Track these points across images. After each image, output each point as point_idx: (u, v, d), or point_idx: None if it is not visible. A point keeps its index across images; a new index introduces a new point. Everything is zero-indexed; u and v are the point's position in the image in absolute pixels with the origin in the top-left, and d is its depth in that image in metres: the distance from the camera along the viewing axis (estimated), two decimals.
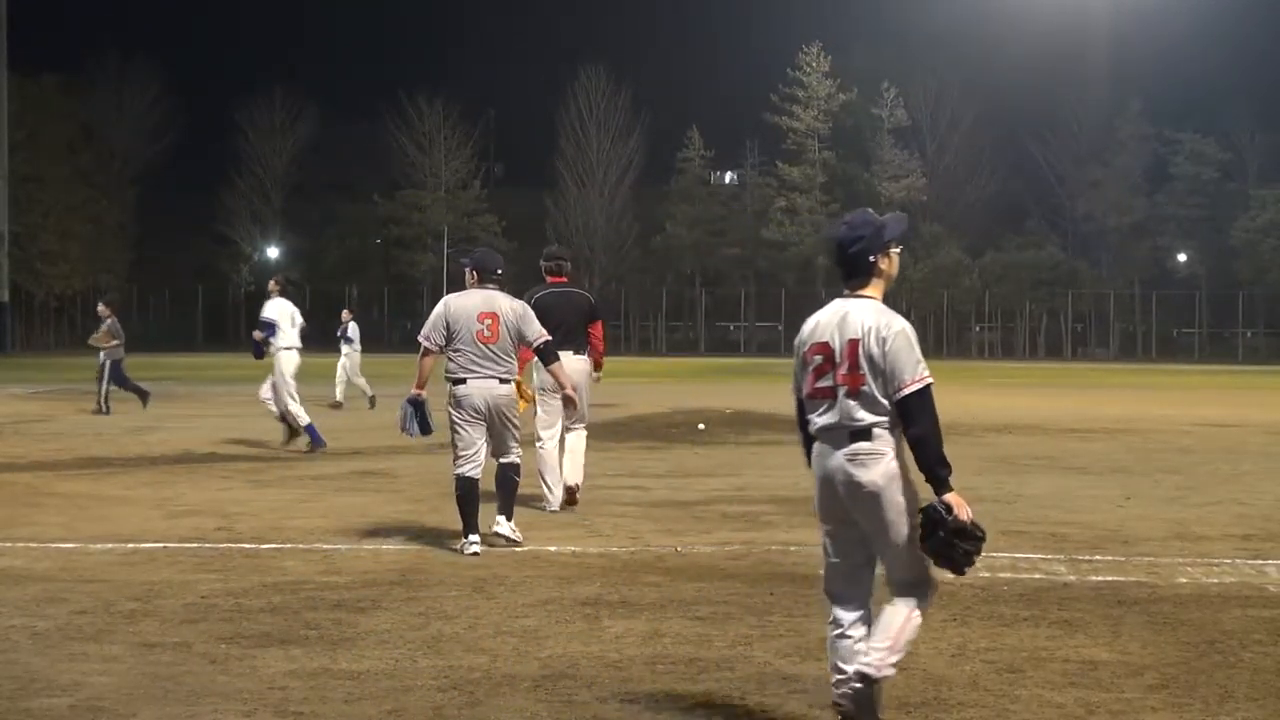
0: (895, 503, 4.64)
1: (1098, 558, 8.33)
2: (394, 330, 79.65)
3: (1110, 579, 7.66)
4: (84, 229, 67.83)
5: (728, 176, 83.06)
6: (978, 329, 75.71)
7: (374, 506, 10.39)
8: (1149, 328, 74.11)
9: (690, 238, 74.08)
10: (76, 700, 5.10)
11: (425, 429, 8.85)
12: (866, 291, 4.75)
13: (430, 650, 5.88)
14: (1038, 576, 7.69)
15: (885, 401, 4.62)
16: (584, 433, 10.55)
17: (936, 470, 4.60)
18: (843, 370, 4.66)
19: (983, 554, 4.72)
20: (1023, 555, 8.33)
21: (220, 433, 16.96)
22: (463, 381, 8.48)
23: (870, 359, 4.61)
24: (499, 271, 8.89)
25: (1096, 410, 23.65)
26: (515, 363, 8.80)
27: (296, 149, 76.56)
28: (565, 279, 10.71)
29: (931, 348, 72.24)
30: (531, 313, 8.87)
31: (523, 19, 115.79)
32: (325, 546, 8.54)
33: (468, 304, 8.62)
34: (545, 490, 10.22)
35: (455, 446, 8.54)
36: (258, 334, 15.29)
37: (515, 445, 8.70)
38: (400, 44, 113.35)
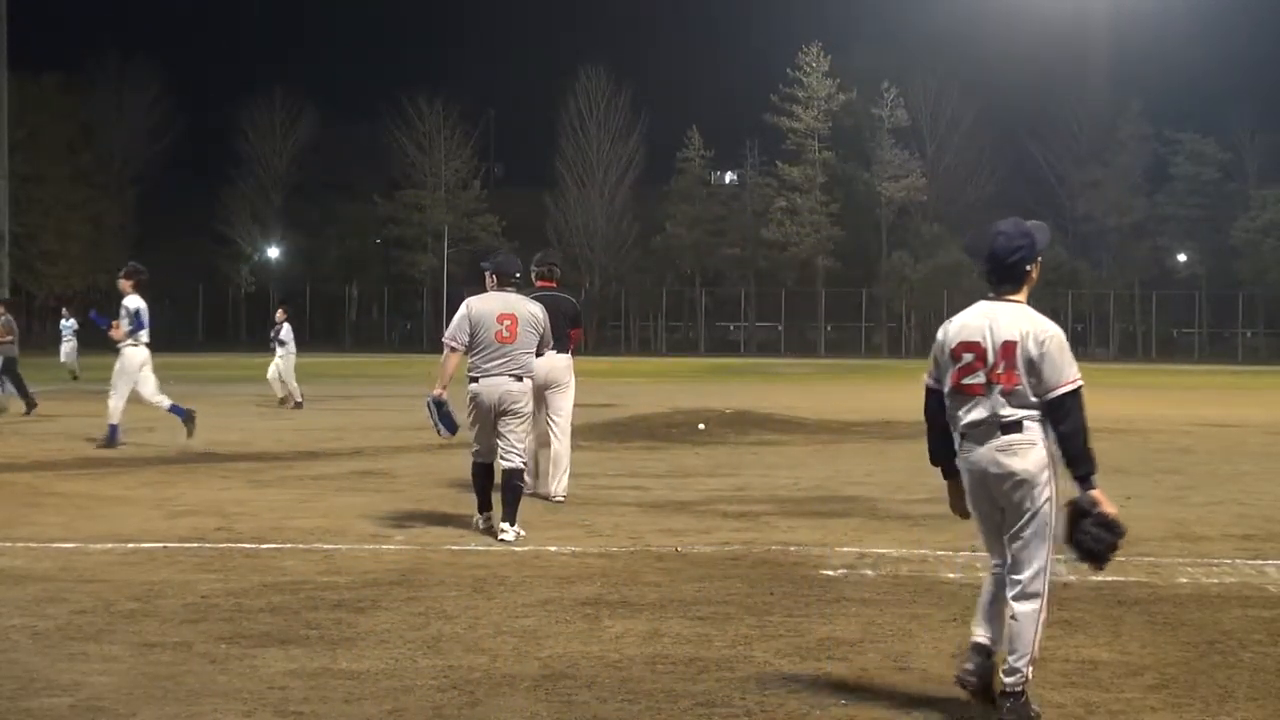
0: (1042, 493, 4.96)
1: None
2: (393, 330, 79.82)
3: (1110, 579, 7.64)
4: (84, 229, 67.88)
5: (728, 176, 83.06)
6: None
7: (374, 506, 10.38)
8: (1149, 328, 74.15)
9: (690, 238, 74.10)
10: (76, 700, 5.10)
11: (451, 427, 9.21)
12: (1016, 297, 5.02)
13: (430, 650, 5.88)
14: None
15: (1035, 399, 4.90)
16: (568, 431, 10.95)
17: (1083, 466, 4.92)
18: (998, 369, 4.91)
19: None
20: None
21: (220, 433, 16.95)
22: (479, 379, 8.98)
23: (1028, 360, 4.88)
24: (518, 275, 9.43)
25: (1097, 410, 23.37)
26: (532, 361, 9.19)
27: (296, 149, 76.60)
28: (554, 284, 11.14)
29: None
30: (542, 311, 9.30)
31: (523, 19, 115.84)
32: (325, 546, 8.54)
33: (488, 306, 9.09)
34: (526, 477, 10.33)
35: (474, 439, 9.13)
36: (124, 326, 15.24)
37: (521, 445, 9.07)
38: (400, 44, 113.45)
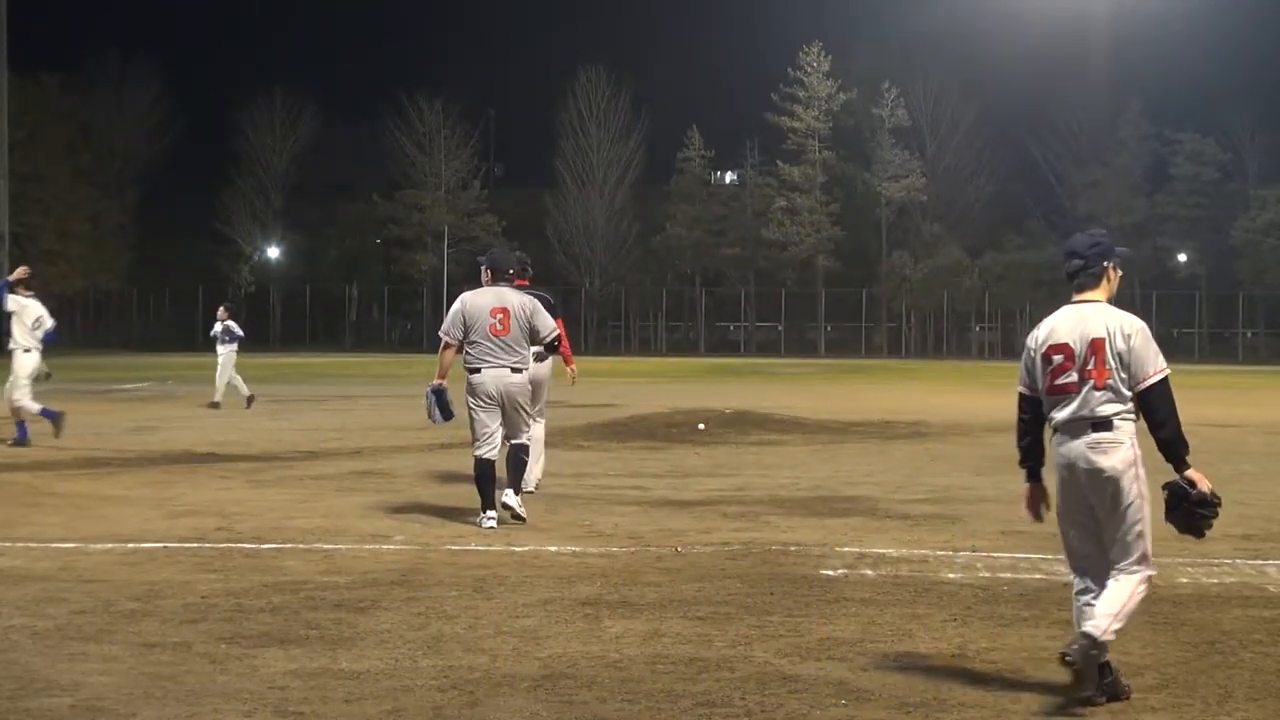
0: (1130, 488, 5.18)
1: None
2: (393, 330, 79.79)
3: None
4: (84, 229, 67.85)
5: (728, 176, 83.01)
6: (978, 329, 75.70)
7: (374, 506, 10.39)
8: (1149, 328, 74.09)
9: (690, 238, 74.06)
10: (76, 700, 5.10)
11: (446, 414, 9.65)
12: (1096, 296, 5.38)
13: (430, 650, 5.88)
14: (1038, 576, 7.69)
15: (1128, 393, 5.19)
16: (542, 424, 11.30)
17: (1178, 449, 5.19)
18: (1089, 366, 5.21)
19: (1217, 518, 5.28)
20: (1023, 555, 8.32)
21: (220, 433, 16.97)
22: (477, 370, 9.40)
23: (1118, 355, 5.19)
24: (510, 271, 9.85)
25: None
26: (527, 353, 9.57)
27: (296, 149, 76.53)
28: (528, 281, 11.26)
29: (931, 347, 72.52)
30: (542, 308, 9.70)
31: (523, 19, 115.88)
32: (325, 546, 8.54)
33: (482, 301, 9.50)
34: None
35: (473, 431, 9.49)
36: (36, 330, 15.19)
37: (526, 429, 9.64)
38: (400, 44, 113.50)
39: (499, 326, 9.36)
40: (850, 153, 74.00)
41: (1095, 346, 5.19)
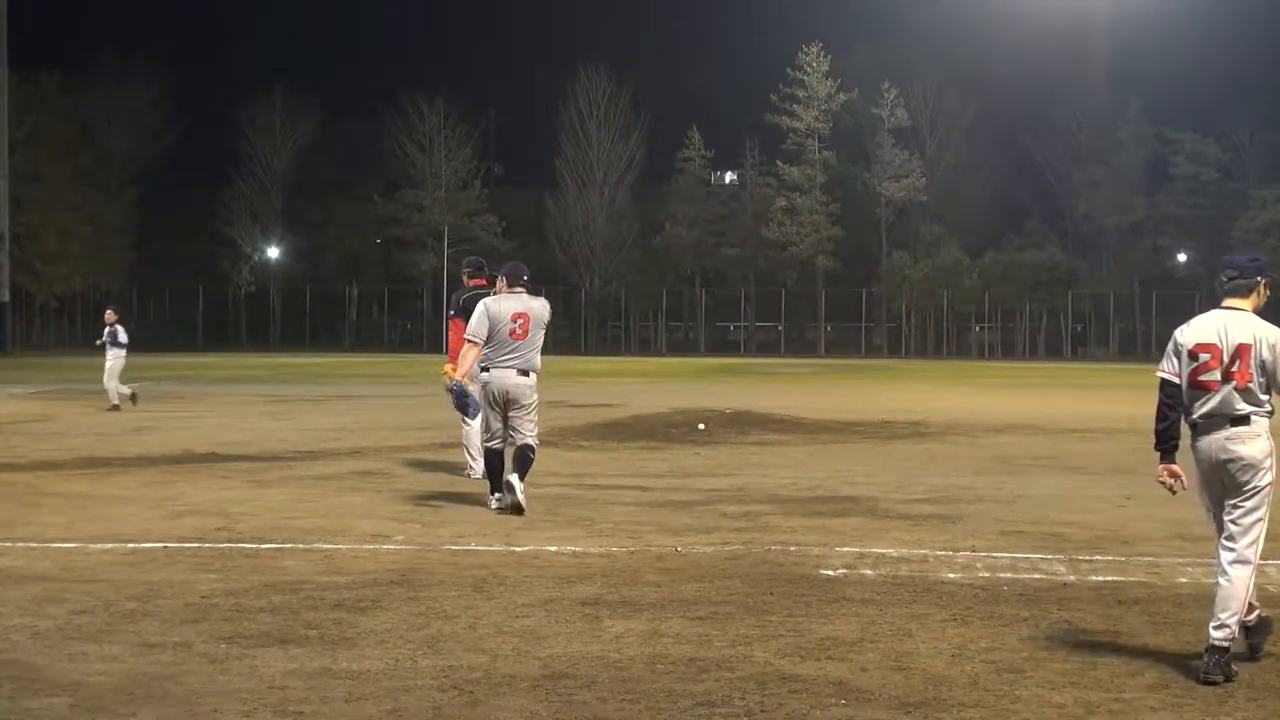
0: (1261, 477, 5.67)
1: (1098, 558, 8.33)
2: (393, 330, 79.80)
3: (1110, 579, 7.66)
4: (84, 229, 67.83)
5: (728, 176, 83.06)
6: (978, 329, 75.74)
7: (374, 506, 10.39)
8: (1149, 328, 74.11)
9: (690, 238, 74.11)
10: (76, 700, 5.10)
11: (470, 412, 10.88)
12: (1244, 306, 5.81)
13: (430, 650, 5.88)
14: (1038, 576, 7.69)
15: (1264, 396, 5.65)
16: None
17: None
18: (1233, 368, 5.66)
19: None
20: (1023, 555, 8.33)
21: (220, 433, 16.97)
22: (487, 370, 10.12)
23: (1261, 362, 5.65)
24: (525, 278, 10.39)
25: (1096, 410, 23.64)
26: (538, 357, 10.23)
27: (296, 149, 76.59)
28: (485, 281, 11.97)
29: (931, 347, 72.56)
30: (549, 313, 10.41)
31: (523, 19, 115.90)
32: (325, 546, 8.54)
33: (504, 306, 10.17)
34: (469, 459, 12.03)
35: (486, 425, 10.28)
36: None
37: (531, 428, 10.18)
38: (400, 44, 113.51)
39: (518, 330, 10.06)
40: (850, 153, 74.06)
41: (1241, 351, 5.65)
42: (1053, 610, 6.76)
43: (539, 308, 10.23)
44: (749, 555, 8.26)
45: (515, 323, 10.05)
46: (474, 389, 10.65)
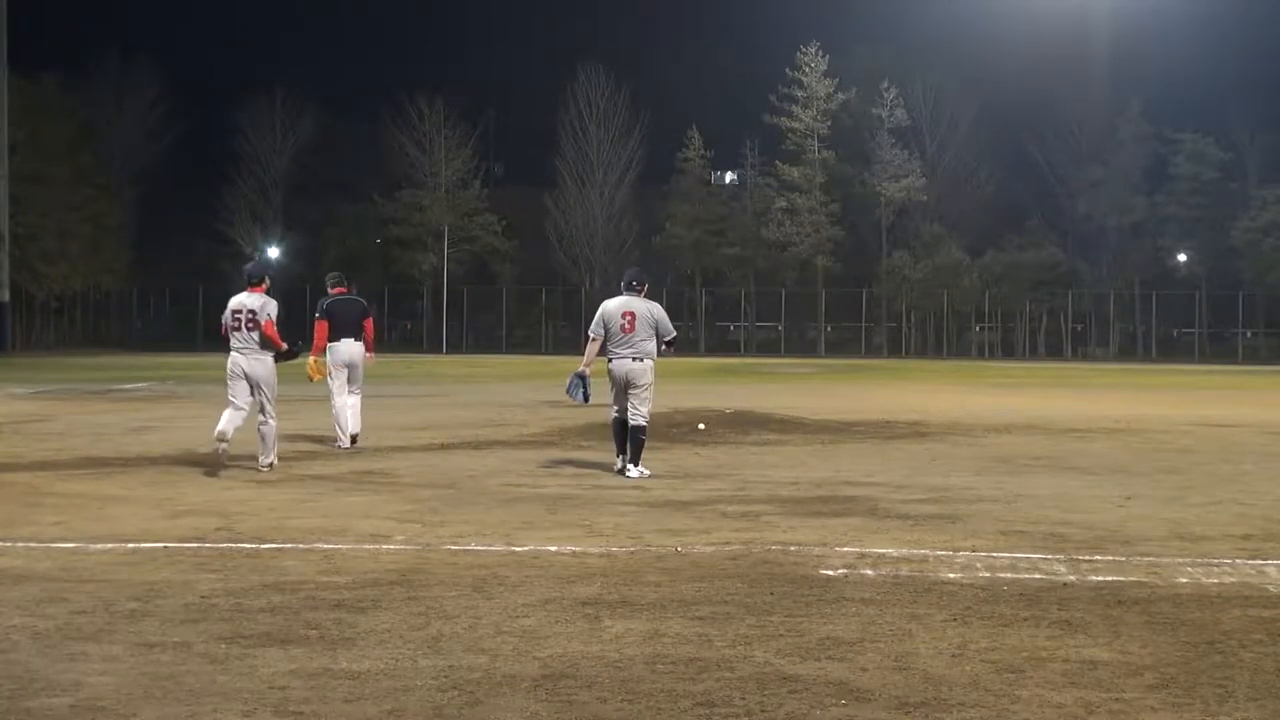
0: None
1: (1098, 558, 8.33)
2: (394, 330, 79.77)
3: (1110, 579, 7.65)
4: (84, 229, 67.84)
5: (728, 176, 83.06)
6: (978, 329, 75.71)
7: (374, 506, 10.39)
8: (1149, 328, 74.13)
9: (690, 238, 74.07)
10: (76, 700, 5.10)
11: (586, 398, 13.18)
12: None
13: (430, 650, 5.88)
14: (1038, 576, 7.69)
15: None
16: (360, 395, 15.37)
17: None
18: None
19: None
20: (1023, 555, 8.33)
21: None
22: (611, 360, 12.58)
23: None
24: (634, 283, 12.77)
25: (1096, 410, 23.64)
26: (653, 344, 12.56)
27: (296, 149, 76.57)
28: (346, 290, 15.60)
29: (931, 347, 72.54)
30: (662, 312, 12.71)
31: (523, 19, 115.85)
32: (325, 546, 8.54)
33: (614, 306, 12.63)
34: (339, 432, 15.02)
35: (612, 401, 12.80)
36: None
37: (642, 407, 12.53)
38: (400, 44, 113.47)
39: (627, 326, 12.46)
40: (850, 153, 74.00)
41: None
42: (1053, 610, 6.75)
43: (642, 307, 12.53)
44: (749, 555, 8.26)
45: (624, 319, 12.46)
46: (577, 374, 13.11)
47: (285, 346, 13.40)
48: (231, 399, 13.03)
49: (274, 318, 13.13)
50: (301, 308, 76.66)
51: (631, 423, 12.53)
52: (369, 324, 15.36)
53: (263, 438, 12.98)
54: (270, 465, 12.92)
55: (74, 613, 6.56)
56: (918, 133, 75.09)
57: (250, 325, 13.02)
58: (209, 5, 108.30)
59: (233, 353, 13.17)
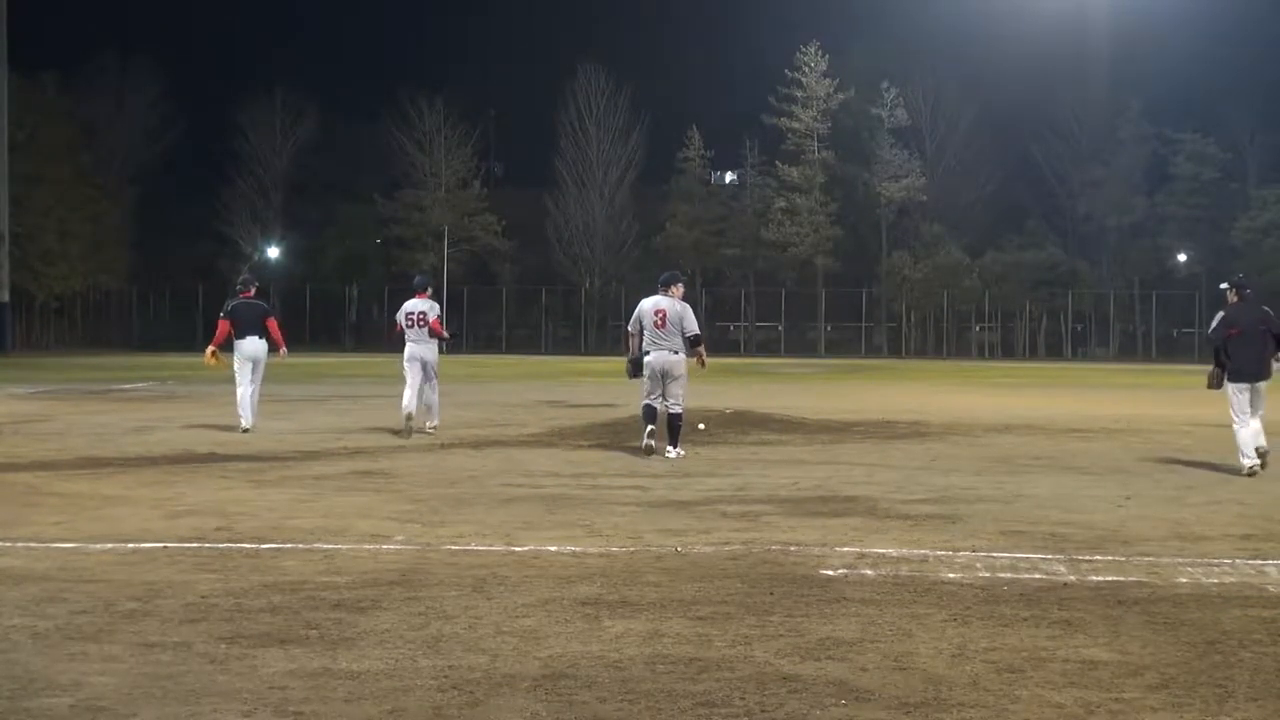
0: None
1: (1098, 558, 8.33)
2: (394, 330, 79.80)
3: (1110, 579, 7.66)
4: (84, 229, 67.86)
5: (728, 176, 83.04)
6: (978, 329, 75.70)
7: (374, 506, 10.39)
8: (1149, 328, 74.13)
9: (690, 238, 74.05)
10: (76, 700, 5.10)
11: (637, 375, 14.53)
12: None
13: (430, 650, 5.88)
14: (1038, 576, 7.69)
15: None
16: (259, 385, 17.16)
17: None
18: None
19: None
20: (1023, 555, 8.33)
21: (220, 433, 16.95)
22: (648, 353, 14.20)
23: None
24: (664, 282, 14.52)
25: (1096, 410, 23.64)
26: (681, 340, 14.16)
27: (296, 149, 76.61)
28: (251, 293, 17.32)
29: (931, 347, 72.53)
30: (690, 311, 14.32)
31: (523, 19, 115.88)
32: (325, 546, 8.54)
33: (648, 305, 14.35)
34: (239, 418, 16.73)
35: (644, 388, 14.36)
36: None
37: (678, 396, 14.16)
38: (400, 44, 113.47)
39: (659, 323, 14.09)
40: (849, 153, 73.99)
41: None
42: (1053, 610, 6.76)
43: (674, 306, 14.16)
44: (749, 555, 8.26)
45: (656, 316, 14.10)
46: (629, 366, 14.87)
47: (448, 335, 17.08)
48: (409, 380, 16.59)
49: (440, 316, 16.85)
50: (302, 308, 77.02)
51: (671, 410, 14.12)
52: (272, 323, 17.10)
53: (428, 406, 16.75)
54: (435, 428, 16.63)
55: (74, 613, 6.56)
56: (917, 133, 75.08)
57: (421, 323, 16.64)
58: (209, 5, 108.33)
59: (408, 344, 16.65)
